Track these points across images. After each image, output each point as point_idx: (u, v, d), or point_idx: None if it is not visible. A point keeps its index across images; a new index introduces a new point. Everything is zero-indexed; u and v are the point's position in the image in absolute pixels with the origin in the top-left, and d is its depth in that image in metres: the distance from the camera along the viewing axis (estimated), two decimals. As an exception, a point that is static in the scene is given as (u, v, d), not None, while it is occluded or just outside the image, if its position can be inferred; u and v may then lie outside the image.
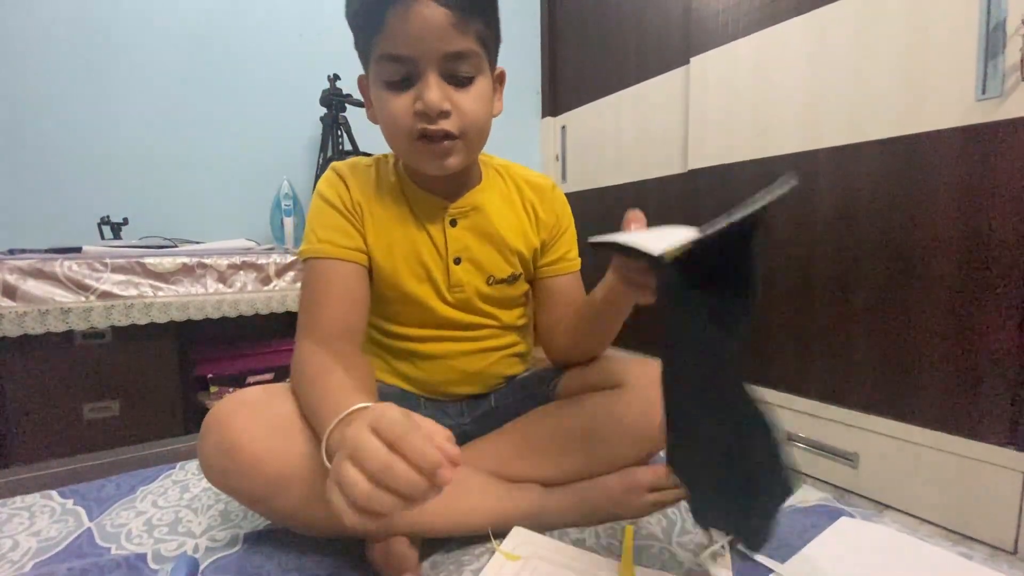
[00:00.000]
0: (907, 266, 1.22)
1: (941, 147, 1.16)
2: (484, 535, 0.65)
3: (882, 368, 1.27)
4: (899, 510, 1.25)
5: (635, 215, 0.65)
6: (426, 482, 0.42)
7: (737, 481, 0.51)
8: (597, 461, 0.73)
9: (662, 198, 1.91)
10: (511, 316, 0.85)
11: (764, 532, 0.55)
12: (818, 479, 1.40)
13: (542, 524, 0.69)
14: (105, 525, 0.72)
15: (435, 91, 0.64)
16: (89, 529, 0.71)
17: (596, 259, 2.11)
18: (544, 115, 2.55)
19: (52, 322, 1.22)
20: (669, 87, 1.85)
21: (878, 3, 1.24)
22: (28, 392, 1.25)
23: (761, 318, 1.54)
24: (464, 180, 0.78)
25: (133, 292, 1.31)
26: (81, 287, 1.26)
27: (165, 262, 1.36)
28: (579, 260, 0.87)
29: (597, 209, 2.22)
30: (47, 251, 1.35)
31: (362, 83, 0.76)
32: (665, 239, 0.55)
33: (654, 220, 1.92)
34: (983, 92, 1.08)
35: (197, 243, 1.64)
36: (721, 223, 0.44)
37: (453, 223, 0.78)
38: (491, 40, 0.70)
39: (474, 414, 0.84)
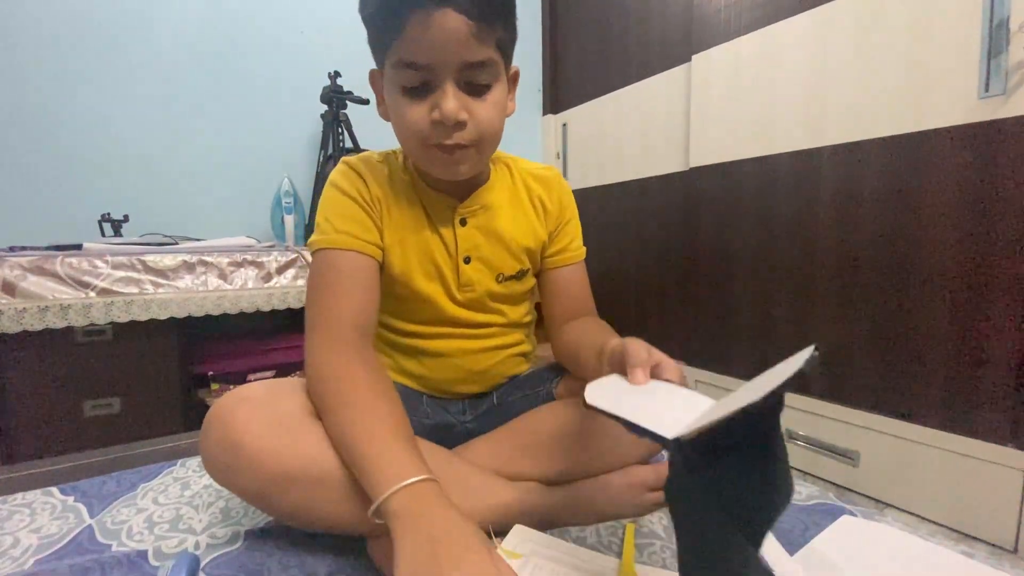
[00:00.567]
0: (909, 264, 1.22)
1: (944, 145, 1.15)
2: (485, 533, 0.65)
3: (883, 366, 1.27)
4: (899, 508, 1.25)
5: (640, 368, 0.56)
6: None
7: None
8: (598, 460, 0.73)
9: (663, 196, 1.90)
10: (518, 313, 0.85)
11: None
12: (818, 477, 1.40)
13: (543, 522, 0.69)
14: (106, 522, 0.72)
15: (452, 102, 0.63)
16: (90, 526, 0.71)
17: (600, 252, 2.09)
18: (545, 112, 2.55)
19: (51, 318, 1.22)
20: (671, 85, 1.85)
21: (880, 1, 1.24)
22: (29, 389, 1.25)
23: (761, 315, 1.54)
24: (473, 179, 0.78)
25: (133, 289, 1.31)
26: (81, 284, 1.26)
27: (166, 259, 1.36)
28: (583, 250, 0.87)
29: (598, 207, 2.21)
30: (48, 248, 1.35)
31: (374, 77, 0.73)
32: (673, 407, 0.51)
33: (655, 218, 1.92)
34: (986, 90, 1.08)
35: (198, 240, 1.64)
36: (743, 401, 0.41)
37: (463, 222, 0.77)
38: (509, 43, 0.69)
39: (476, 412, 0.84)
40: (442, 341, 0.79)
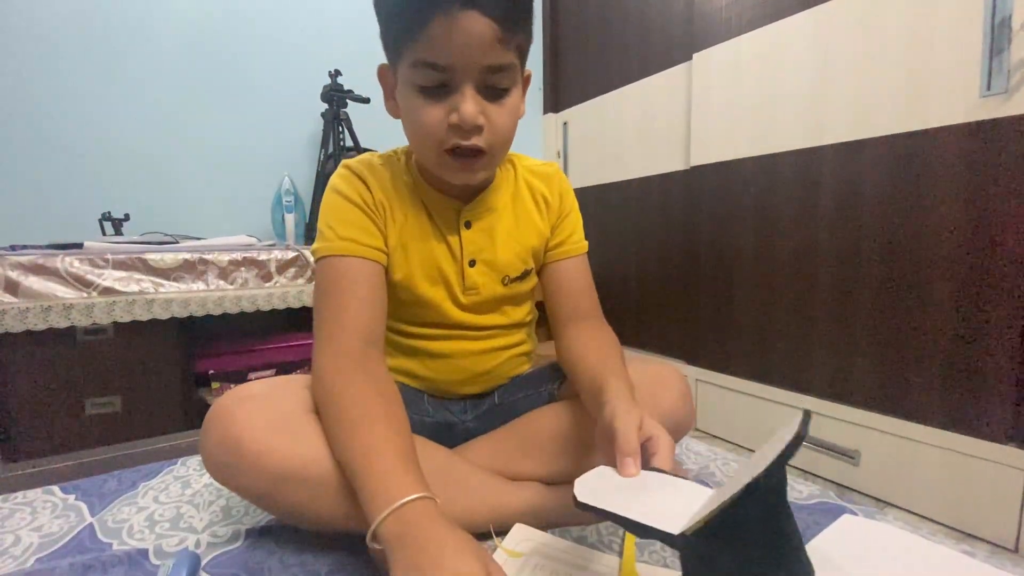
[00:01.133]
0: (910, 263, 1.21)
1: (945, 143, 1.15)
2: (485, 532, 0.65)
3: (884, 365, 1.27)
4: (900, 507, 1.25)
5: (630, 459, 0.54)
6: None
7: None
8: (599, 460, 0.73)
9: (664, 195, 1.90)
10: (520, 313, 0.85)
11: None
12: (819, 476, 1.40)
13: (544, 521, 0.69)
14: (107, 520, 0.72)
15: (471, 105, 0.62)
16: (91, 524, 0.71)
17: (600, 251, 2.09)
18: (546, 111, 2.55)
19: (55, 318, 1.22)
20: (672, 83, 1.85)
21: (882, -1, 1.24)
22: (30, 388, 1.25)
23: (761, 314, 1.54)
24: (479, 183, 0.76)
25: (135, 288, 1.32)
26: (83, 283, 1.26)
27: (166, 258, 1.36)
28: (585, 244, 0.86)
29: (599, 206, 2.21)
30: (48, 247, 1.35)
31: (384, 73, 0.71)
32: (670, 500, 0.50)
33: (656, 216, 1.92)
34: (988, 88, 1.08)
35: (198, 239, 1.64)
36: (744, 480, 0.40)
37: (468, 225, 0.76)
38: (527, 48, 0.68)
39: (477, 411, 0.84)
40: (445, 343, 0.79)
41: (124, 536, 0.69)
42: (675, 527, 0.45)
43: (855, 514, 0.74)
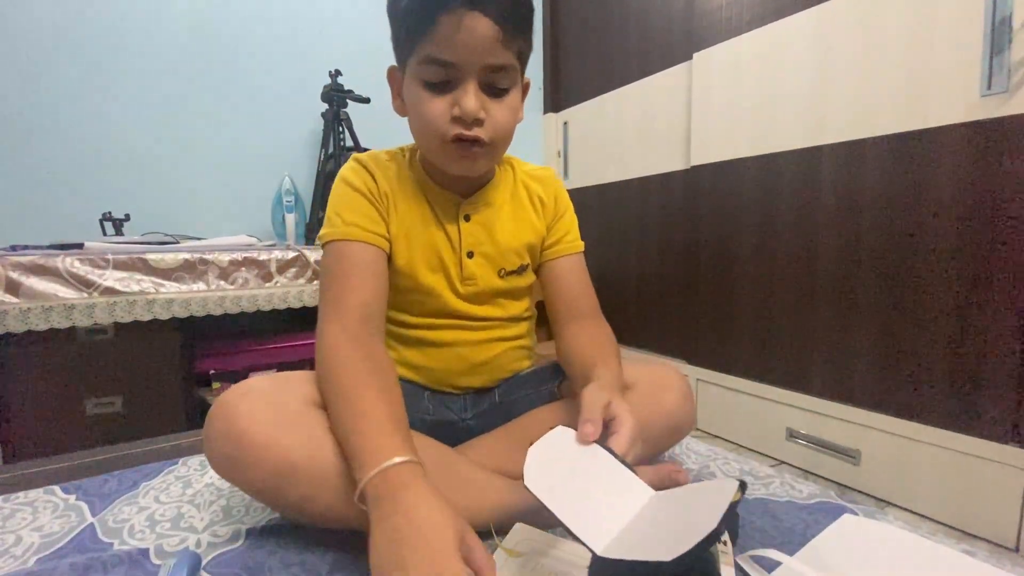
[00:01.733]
0: (910, 262, 1.22)
1: (946, 143, 1.15)
2: (486, 531, 0.65)
3: (884, 365, 1.27)
4: (901, 507, 1.25)
5: (590, 423, 0.58)
6: None
7: None
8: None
9: (664, 194, 1.90)
10: (518, 308, 0.86)
11: None
12: (819, 475, 1.40)
13: (545, 521, 0.69)
14: (107, 520, 0.72)
15: (473, 99, 0.67)
16: (91, 524, 0.71)
17: (600, 251, 2.09)
18: (546, 111, 2.55)
19: (56, 318, 1.22)
20: (672, 83, 1.85)
21: (882, -2, 1.24)
22: (31, 387, 1.25)
23: (762, 314, 1.54)
24: (478, 177, 0.80)
25: (135, 288, 1.32)
26: (84, 283, 1.26)
27: (167, 258, 1.36)
28: (581, 244, 0.88)
29: (599, 206, 2.21)
30: (49, 247, 1.35)
31: (393, 74, 0.76)
32: (610, 497, 0.53)
33: (656, 216, 1.92)
34: (988, 88, 1.08)
35: (198, 239, 1.64)
36: (656, 547, 0.43)
37: (467, 218, 0.80)
38: (527, 54, 0.73)
39: (477, 409, 0.84)
40: (445, 332, 0.81)
41: (125, 536, 0.69)
42: (601, 534, 0.48)
43: (855, 514, 0.74)
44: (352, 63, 1.88)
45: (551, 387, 0.85)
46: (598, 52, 2.23)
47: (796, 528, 0.70)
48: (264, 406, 0.60)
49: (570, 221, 0.88)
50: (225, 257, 1.43)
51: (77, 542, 0.67)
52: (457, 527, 0.49)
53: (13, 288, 1.20)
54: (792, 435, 1.47)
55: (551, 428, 0.60)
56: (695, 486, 0.54)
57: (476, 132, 0.69)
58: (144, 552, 0.64)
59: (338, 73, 1.86)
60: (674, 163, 1.86)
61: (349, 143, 1.89)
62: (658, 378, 0.78)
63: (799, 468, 1.45)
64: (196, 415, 1.46)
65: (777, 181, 1.49)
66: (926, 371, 1.21)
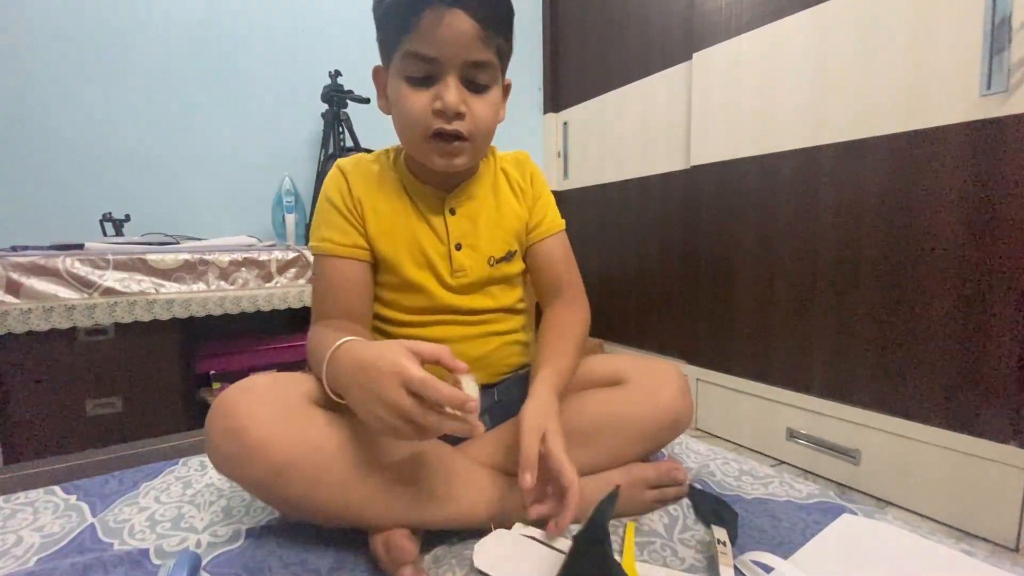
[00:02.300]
0: (910, 262, 1.22)
1: (946, 143, 1.15)
2: (486, 529, 0.66)
3: (884, 365, 1.27)
4: (900, 507, 1.25)
5: (528, 472, 0.63)
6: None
7: None
8: (599, 457, 0.73)
9: (664, 194, 1.90)
10: (511, 297, 0.87)
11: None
12: (819, 475, 1.41)
13: (544, 519, 0.69)
14: (108, 521, 0.73)
15: (454, 93, 0.69)
16: (92, 524, 0.72)
17: (600, 251, 2.08)
18: (546, 111, 2.55)
19: (56, 319, 1.22)
20: (672, 83, 1.85)
21: (882, -2, 1.24)
22: (31, 388, 1.25)
23: (762, 314, 1.54)
24: (461, 172, 0.82)
25: (135, 289, 1.32)
26: (84, 284, 1.26)
27: (167, 259, 1.36)
28: (562, 222, 0.91)
29: (599, 205, 2.21)
30: (50, 248, 1.35)
31: (378, 73, 0.79)
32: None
33: (656, 216, 1.93)
34: (988, 87, 1.08)
35: (199, 240, 1.64)
36: None
37: (452, 212, 0.82)
38: (507, 54, 0.76)
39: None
40: (439, 328, 0.81)
41: (125, 536, 0.69)
42: None
43: (855, 514, 0.74)
44: (352, 63, 1.88)
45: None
46: (598, 52, 2.23)
47: (795, 528, 0.70)
48: (264, 404, 0.61)
49: (547, 201, 0.91)
50: (225, 257, 1.44)
51: (78, 542, 0.67)
52: (404, 344, 0.57)
53: (14, 289, 1.20)
54: (792, 435, 1.47)
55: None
56: None
57: (457, 126, 0.71)
58: (144, 552, 0.64)
59: (338, 73, 1.86)
60: (674, 163, 1.86)
61: (349, 143, 1.89)
62: (656, 374, 0.78)
63: (799, 468, 1.45)
64: (197, 415, 1.46)
65: (777, 181, 1.49)
66: (926, 371, 1.21)
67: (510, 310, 0.88)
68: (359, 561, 0.63)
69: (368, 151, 1.83)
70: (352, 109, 1.88)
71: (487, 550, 0.63)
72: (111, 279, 1.30)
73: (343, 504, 0.61)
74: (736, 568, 0.60)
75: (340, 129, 1.87)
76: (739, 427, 1.64)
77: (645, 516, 0.74)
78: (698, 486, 0.82)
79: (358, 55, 1.91)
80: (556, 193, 2.49)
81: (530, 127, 2.55)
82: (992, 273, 1.10)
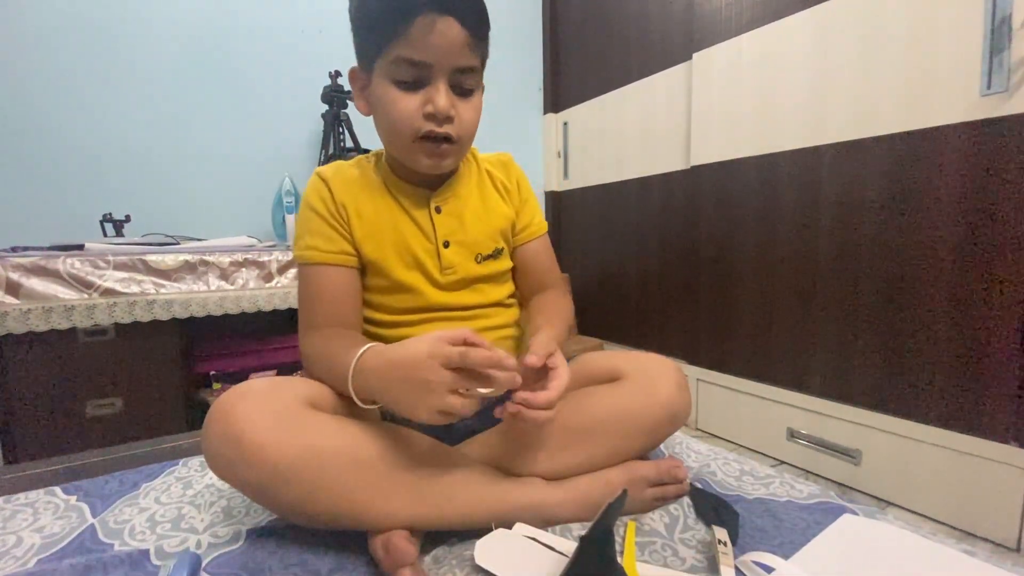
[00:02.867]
0: (911, 262, 1.22)
1: (946, 142, 1.16)
2: (486, 529, 0.66)
3: (885, 365, 1.28)
4: (901, 507, 1.25)
5: (534, 356, 0.66)
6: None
7: None
8: (598, 453, 0.73)
9: (664, 194, 1.91)
10: (500, 293, 0.88)
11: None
12: (820, 475, 1.41)
13: (544, 518, 0.69)
14: (108, 521, 0.73)
15: (445, 97, 0.71)
16: (92, 525, 0.72)
17: (600, 251, 2.08)
18: (546, 111, 2.56)
19: (56, 319, 1.23)
20: (671, 83, 1.86)
21: (882, -2, 1.24)
22: (31, 389, 1.25)
23: (762, 314, 1.55)
24: (445, 173, 0.84)
25: (136, 289, 1.32)
26: (84, 284, 1.27)
27: (167, 259, 1.36)
28: (545, 224, 0.94)
29: (599, 206, 2.22)
30: (50, 248, 1.35)
31: (355, 75, 0.81)
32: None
33: (656, 216, 1.93)
34: (988, 87, 1.08)
35: (199, 240, 1.64)
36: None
37: (438, 210, 0.83)
38: (486, 61, 0.78)
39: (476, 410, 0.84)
40: (430, 326, 0.81)
41: (125, 537, 0.69)
42: None
43: (855, 514, 0.74)
44: (352, 64, 1.88)
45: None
46: (598, 52, 2.24)
47: (796, 528, 0.70)
48: (261, 408, 0.61)
49: (534, 205, 0.93)
50: (225, 258, 1.44)
51: (78, 543, 0.67)
52: (422, 342, 0.59)
53: (13, 289, 1.20)
54: (793, 435, 1.48)
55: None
56: None
57: (446, 129, 0.73)
58: (144, 553, 0.64)
59: (338, 74, 1.87)
60: (674, 163, 1.86)
61: (349, 144, 1.89)
62: (653, 368, 0.78)
63: (800, 468, 1.46)
64: (197, 416, 1.46)
65: (777, 181, 1.49)
66: (926, 371, 1.21)
67: (500, 304, 0.88)
68: (359, 563, 0.63)
69: (368, 151, 1.84)
70: (352, 110, 1.88)
71: (489, 548, 0.63)
72: (111, 279, 1.30)
73: (341, 507, 0.61)
74: (737, 568, 0.60)
75: (340, 129, 1.87)
76: (740, 427, 1.65)
77: (646, 516, 0.73)
78: (699, 485, 0.82)
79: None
80: (556, 193, 2.50)
81: (530, 127, 2.55)
82: (992, 273, 1.10)
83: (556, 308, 0.86)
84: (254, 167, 1.92)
